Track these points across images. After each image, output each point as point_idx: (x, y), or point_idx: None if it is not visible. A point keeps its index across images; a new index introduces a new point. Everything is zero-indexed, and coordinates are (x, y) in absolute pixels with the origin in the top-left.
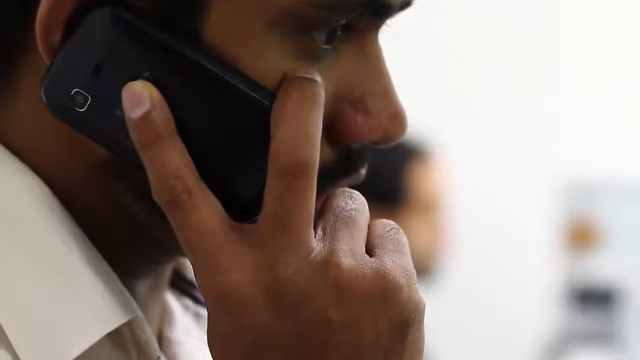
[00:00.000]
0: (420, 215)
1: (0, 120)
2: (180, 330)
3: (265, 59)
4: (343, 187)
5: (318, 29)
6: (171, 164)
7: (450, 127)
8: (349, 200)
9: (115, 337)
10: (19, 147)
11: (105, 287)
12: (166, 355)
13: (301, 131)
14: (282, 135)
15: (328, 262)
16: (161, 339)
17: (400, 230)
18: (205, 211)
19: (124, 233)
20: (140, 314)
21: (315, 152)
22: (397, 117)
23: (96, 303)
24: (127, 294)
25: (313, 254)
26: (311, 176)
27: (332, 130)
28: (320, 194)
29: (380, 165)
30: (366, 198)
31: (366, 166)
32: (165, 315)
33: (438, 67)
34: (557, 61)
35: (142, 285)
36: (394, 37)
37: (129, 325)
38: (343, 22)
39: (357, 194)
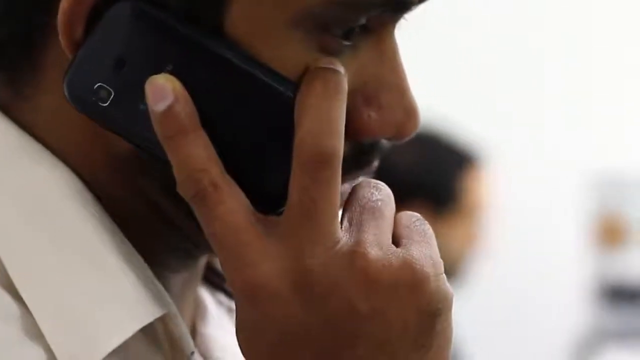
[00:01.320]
0: (465, 221)
1: (28, 114)
2: (213, 325)
3: (286, 52)
4: (356, 180)
5: (338, 27)
6: (196, 157)
7: (483, 126)
8: (374, 191)
9: (148, 332)
10: (48, 140)
11: (139, 280)
12: (199, 351)
13: (325, 122)
14: (306, 127)
15: (355, 253)
16: (194, 333)
17: (426, 222)
18: (231, 204)
19: (154, 226)
20: (174, 308)
21: (339, 142)
22: (410, 113)
23: (131, 297)
24: (161, 288)
25: (339, 245)
26: (336, 166)
27: (346, 124)
28: None
29: (437, 168)
30: (418, 198)
31: (378, 160)
32: (198, 309)
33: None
34: (587, 59)
35: (176, 279)
36: (446, 51)
37: (162, 319)
38: (363, 21)
39: (382, 184)
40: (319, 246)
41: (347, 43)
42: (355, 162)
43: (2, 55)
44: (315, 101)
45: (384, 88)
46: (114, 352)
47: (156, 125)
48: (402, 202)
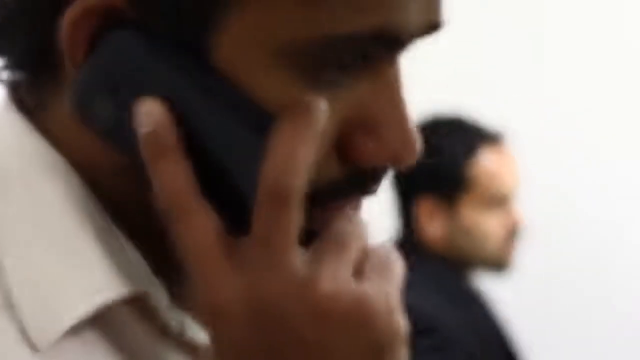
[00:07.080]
0: (489, 206)
1: (47, 121)
2: None
3: (273, 84)
4: (355, 204)
5: (330, 61)
6: (174, 179)
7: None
8: (346, 225)
9: (135, 307)
10: (62, 145)
11: (119, 265)
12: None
13: (288, 160)
14: (271, 162)
15: (308, 285)
16: None
17: (397, 258)
18: (201, 226)
19: (159, 227)
20: (154, 288)
21: (299, 181)
22: (407, 145)
23: (101, 276)
24: (144, 270)
25: (295, 276)
26: (293, 203)
27: (344, 151)
28: (325, 209)
29: (449, 150)
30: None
31: (379, 184)
32: None
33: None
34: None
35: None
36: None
37: (145, 298)
38: (356, 55)
39: (358, 218)
40: (274, 277)
41: (340, 74)
42: (352, 187)
43: (26, 63)
44: (284, 138)
45: (382, 119)
46: (95, 321)
47: (141, 146)
48: (415, 197)
